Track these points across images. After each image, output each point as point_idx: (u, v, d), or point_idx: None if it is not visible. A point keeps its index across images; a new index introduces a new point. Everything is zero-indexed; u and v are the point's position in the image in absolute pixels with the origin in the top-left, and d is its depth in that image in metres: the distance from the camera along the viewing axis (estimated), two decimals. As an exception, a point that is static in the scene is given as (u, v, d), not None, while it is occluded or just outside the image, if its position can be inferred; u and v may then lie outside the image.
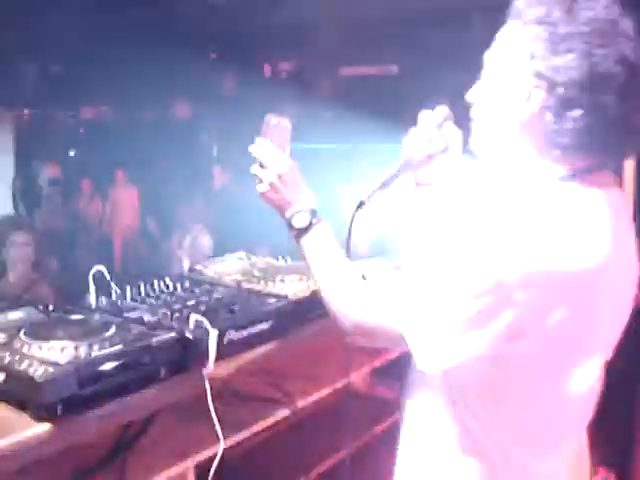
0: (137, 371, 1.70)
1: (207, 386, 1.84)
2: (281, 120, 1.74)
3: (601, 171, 1.40)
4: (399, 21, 8.23)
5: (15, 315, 1.90)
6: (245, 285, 2.27)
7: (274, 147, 1.70)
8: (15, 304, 1.98)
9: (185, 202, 7.43)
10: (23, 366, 1.56)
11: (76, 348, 1.64)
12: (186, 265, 6.59)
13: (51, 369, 1.54)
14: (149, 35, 8.06)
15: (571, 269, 1.28)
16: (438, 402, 1.50)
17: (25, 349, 1.65)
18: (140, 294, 2.12)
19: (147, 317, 1.91)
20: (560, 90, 1.29)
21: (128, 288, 2.12)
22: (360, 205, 1.64)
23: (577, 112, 1.29)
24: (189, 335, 1.81)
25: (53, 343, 1.65)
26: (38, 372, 1.53)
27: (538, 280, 1.26)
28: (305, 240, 1.63)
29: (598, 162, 1.39)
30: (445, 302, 1.31)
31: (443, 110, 1.72)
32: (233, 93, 12.25)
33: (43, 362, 1.58)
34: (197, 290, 2.19)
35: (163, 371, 1.76)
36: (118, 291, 2.13)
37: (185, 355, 1.80)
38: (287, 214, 1.66)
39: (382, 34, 8.50)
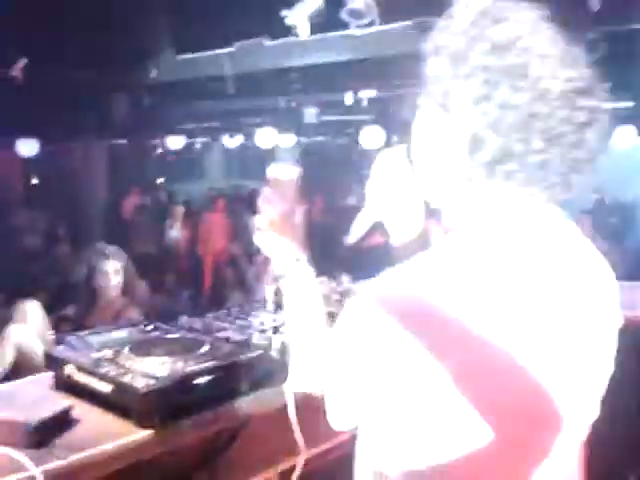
0: (226, 385, 1.88)
1: (290, 400, 2.00)
2: (286, 172, 1.73)
3: None
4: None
5: (119, 334, 2.11)
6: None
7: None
8: (118, 325, 2.19)
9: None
10: (127, 379, 1.76)
11: (174, 363, 1.83)
12: (269, 291, 6.82)
13: (152, 381, 1.73)
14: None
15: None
16: None
17: (129, 364, 1.85)
18: (229, 315, 2.31)
19: (236, 337, 2.09)
20: (468, 123, 1.22)
21: (217, 309, 2.31)
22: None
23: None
24: (274, 354, 1.98)
25: (154, 359, 1.85)
26: (140, 384, 1.72)
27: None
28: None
29: None
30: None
31: (402, 149, 1.58)
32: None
33: (145, 375, 1.77)
34: (281, 312, 2.36)
35: (250, 386, 1.93)
36: (209, 313, 2.32)
37: (270, 372, 1.97)
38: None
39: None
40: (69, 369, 1.89)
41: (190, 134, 16.98)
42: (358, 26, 4.67)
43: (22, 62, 7.59)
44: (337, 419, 1.32)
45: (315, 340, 1.55)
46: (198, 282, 10.72)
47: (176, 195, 16.33)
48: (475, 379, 1.13)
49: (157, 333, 2.15)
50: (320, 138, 17.15)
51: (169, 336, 2.08)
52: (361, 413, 1.27)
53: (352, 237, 1.70)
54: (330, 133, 16.52)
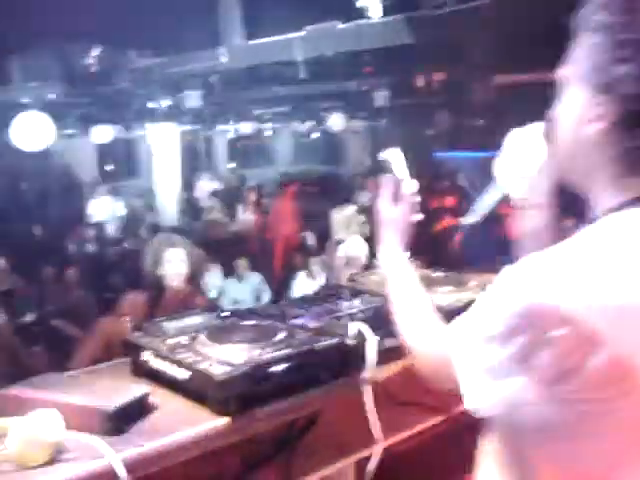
0: (302, 373, 1.85)
1: (366, 389, 1.97)
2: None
3: None
4: (555, 27, 8.04)
5: (194, 320, 2.10)
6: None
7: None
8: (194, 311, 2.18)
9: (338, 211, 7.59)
10: (204, 365, 1.75)
11: (250, 350, 1.81)
12: (343, 275, 6.79)
13: (229, 369, 1.71)
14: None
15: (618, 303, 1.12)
16: (504, 446, 1.38)
17: (206, 350, 1.84)
18: (305, 302, 2.28)
19: (311, 324, 2.06)
20: (626, 104, 1.17)
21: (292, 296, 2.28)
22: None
23: None
24: (350, 341, 1.94)
25: (230, 346, 1.83)
26: (217, 371, 1.71)
27: (578, 318, 1.10)
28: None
29: None
30: (482, 342, 1.23)
31: (538, 127, 1.63)
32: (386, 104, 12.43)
33: (221, 362, 1.76)
34: (357, 299, 2.33)
35: (326, 374, 1.90)
36: (284, 300, 2.30)
37: (346, 360, 1.94)
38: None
39: (536, 41, 8.34)
40: (146, 355, 1.89)
41: (260, 119, 17.11)
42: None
43: (97, 50, 7.72)
44: (472, 400, 1.28)
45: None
46: (268, 267, 10.79)
47: (247, 180, 16.47)
48: None
49: (233, 319, 2.13)
50: (389, 122, 17.02)
51: (245, 323, 2.06)
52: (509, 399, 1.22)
53: (476, 215, 1.75)
54: (399, 117, 16.38)
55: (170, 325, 2.05)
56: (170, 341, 1.93)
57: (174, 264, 4.25)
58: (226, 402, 1.70)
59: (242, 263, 9.29)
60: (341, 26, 5.21)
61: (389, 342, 2.01)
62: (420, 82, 10.67)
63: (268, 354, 1.81)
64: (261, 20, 6.47)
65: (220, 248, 10.01)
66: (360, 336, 1.96)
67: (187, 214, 13.44)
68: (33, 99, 8.85)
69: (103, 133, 12.90)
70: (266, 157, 22.03)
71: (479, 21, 5.20)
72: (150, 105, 11.18)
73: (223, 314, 2.16)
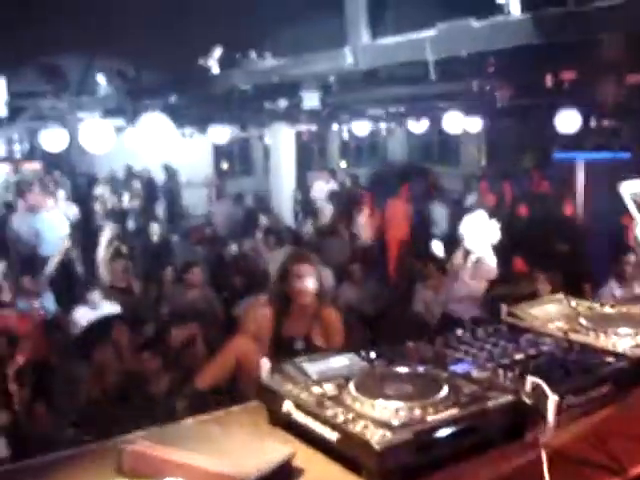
0: (471, 438, 1.56)
1: (543, 455, 1.66)
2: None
3: None
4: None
5: (339, 362, 1.85)
6: (573, 337, 2.05)
7: None
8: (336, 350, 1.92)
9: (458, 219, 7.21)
10: (358, 427, 1.49)
11: (410, 410, 1.54)
12: (467, 285, 6.45)
13: (388, 434, 1.45)
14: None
15: None
16: None
17: (357, 406, 1.57)
18: (462, 341, 1.99)
19: (476, 373, 1.76)
20: None
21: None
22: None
23: None
24: (526, 399, 1.64)
25: (387, 403, 1.56)
26: (375, 437, 1.44)
27: None
28: None
29: None
30: None
31: None
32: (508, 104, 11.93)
33: (377, 423, 1.49)
34: (520, 340, 2.01)
35: (496, 438, 1.61)
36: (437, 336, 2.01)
37: (520, 421, 1.63)
38: None
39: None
40: (288, 406, 1.65)
41: (375, 119, 16.84)
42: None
43: (218, 51, 7.63)
44: None
45: None
46: (383, 271, 10.52)
47: (361, 181, 16.25)
48: None
49: (382, 363, 1.86)
50: (508, 122, 16.45)
51: (398, 370, 1.78)
52: None
53: None
54: (519, 117, 15.77)
55: (312, 367, 1.80)
56: (315, 389, 1.68)
57: (303, 280, 4.06)
58: (386, 474, 1.43)
59: (356, 268, 9.03)
60: (476, 24, 4.83)
61: (570, 400, 1.70)
62: (548, 81, 10.11)
63: (432, 415, 1.53)
64: (389, 18, 6.18)
65: (333, 251, 9.81)
66: (538, 393, 1.65)
67: (302, 215, 13.33)
68: (154, 100, 8.89)
69: (220, 133, 12.97)
70: (379, 157, 21.75)
71: (615, 19, 4.73)
72: (268, 106, 11.11)
73: (370, 355, 1.89)
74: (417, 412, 1.54)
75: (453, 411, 1.55)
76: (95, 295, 7.59)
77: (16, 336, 7.16)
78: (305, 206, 13.53)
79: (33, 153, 15.61)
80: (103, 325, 7.01)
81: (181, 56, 8.17)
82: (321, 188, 13.59)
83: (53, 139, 10.59)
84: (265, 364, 1.77)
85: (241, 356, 3.96)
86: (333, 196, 12.74)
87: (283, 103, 10.94)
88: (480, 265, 6.25)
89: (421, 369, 1.79)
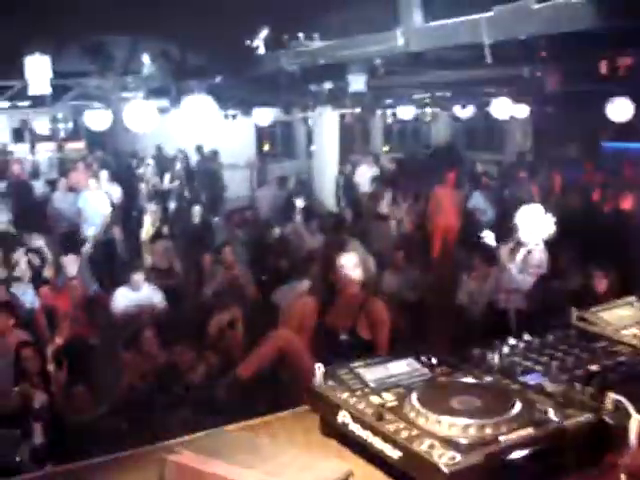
0: (547, 460, 1.41)
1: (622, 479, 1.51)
2: None
3: None
4: None
5: (398, 368, 1.71)
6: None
7: None
8: (394, 354, 1.78)
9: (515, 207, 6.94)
10: (423, 446, 1.35)
11: (481, 428, 1.39)
12: (517, 280, 6.24)
13: (458, 456, 1.31)
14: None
15: None
16: None
17: (421, 421, 1.43)
18: (529, 349, 1.83)
19: (549, 386, 1.61)
20: None
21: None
22: None
23: None
24: (607, 418, 1.48)
25: (454, 419, 1.42)
26: (443, 459, 1.30)
27: None
28: None
29: None
30: None
31: None
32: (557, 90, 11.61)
33: (444, 442, 1.35)
34: (595, 349, 1.85)
35: (574, 461, 1.45)
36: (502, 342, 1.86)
37: (600, 442, 1.48)
38: None
39: None
40: (344, 417, 1.52)
41: (420, 104, 16.56)
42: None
43: (264, 32, 7.48)
44: None
45: None
46: (426, 259, 10.32)
47: (405, 166, 16.02)
48: None
49: (444, 370, 1.71)
50: (556, 109, 16.07)
51: (464, 380, 1.64)
52: None
53: None
54: (569, 104, 15.38)
55: (369, 374, 1.66)
56: (373, 399, 1.54)
57: (348, 269, 3.90)
58: (453, 500, 1.29)
59: (399, 255, 8.86)
60: (536, 6, 4.60)
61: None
62: (602, 68, 9.76)
63: (505, 435, 1.38)
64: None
65: (377, 237, 9.65)
66: (620, 411, 1.49)
67: (344, 200, 13.16)
68: (199, 81, 8.78)
69: (264, 115, 12.86)
70: (423, 142, 21.45)
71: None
72: (313, 88, 10.94)
73: (431, 361, 1.75)
74: (488, 431, 1.39)
75: (528, 430, 1.40)
76: (137, 276, 7.54)
77: (55, 315, 7.17)
78: (347, 191, 13.35)
79: (77, 132, 15.67)
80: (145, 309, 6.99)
81: (227, 37, 8.04)
82: (364, 173, 13.39)
83: (97, 119, 10.59)
84: (318, 368, 1.64)
85: (284, 346, 3.84)
86: (376, 181, 12.54)
87: (328, 86, 10.76)
88: (531, 258, 6.03)
89: (489, 379, 1.64)
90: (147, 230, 10.07)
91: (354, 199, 12.62)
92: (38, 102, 10.74)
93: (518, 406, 1.47)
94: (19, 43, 8.10)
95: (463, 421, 1.41)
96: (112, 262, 9.94)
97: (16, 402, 4.77)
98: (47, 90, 8.41)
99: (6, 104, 11.65)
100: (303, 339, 3.92)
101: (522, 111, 14.38)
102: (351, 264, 3.92)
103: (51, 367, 5.59)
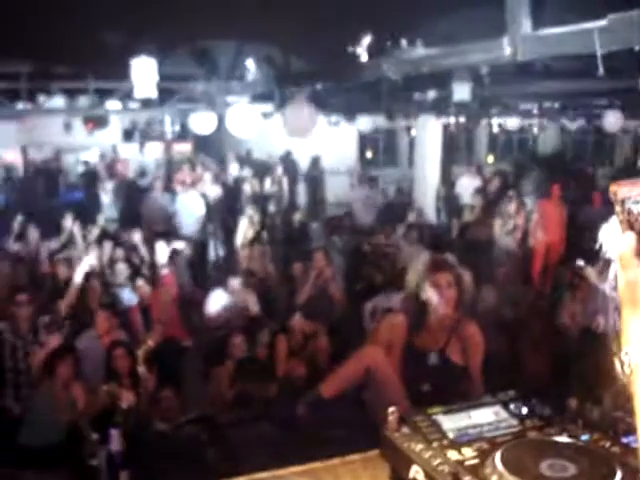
0: None
1: None
2: None
3: None
4: None
5: (481, 417, 1.53)
6: None
7: None
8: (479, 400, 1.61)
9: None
10: (505, 520, 1.18)
11: (574, 501, 1.21)
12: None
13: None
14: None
15: None
16: None
17: (505, 486, 1.26)
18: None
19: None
20: None
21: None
22: None
23: None
24: None
25: (543, 489, 1.24)
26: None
27: None
28: None
29: None
30: None
31: None
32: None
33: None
34: None
35: None
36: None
37: None
38: None
39: None
40: (416, 472, 1.36)
41: (527, 115, 16.07)
42: None
43: (367, 39, 7.37)
44: None
45: None
46: (526, 276, 9.93)
47: (509, 178, 15.57)
48: None
49: (535, 423, 1.52)
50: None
51: (557, 439, 1.45)
52: None
53: None
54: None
55: (450, 422, 1.49)
56: (451, 455, 1.38)
57: (441, 289, 3.70)
58: None
59: (501, 271, 8.56)
60: (654, 15, 4.29)
61: None
62: None
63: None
64: (553, 7, 5.69)
65: (476, 252, 9.36)
66: None
67: (445, 212, 12.87)
68: (302, 87, 8.76)
69: (365, 122, 12.74)
70: (529, 154, 20.85)
71: None
72: (417, 96, 10.77)
73: (521, 411, 1.56)
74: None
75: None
76: (235, 280, 7.53)
77: (150, 315, 7.24)
78: (449, 203, 13.05)
79: (184, 135, 16.00)
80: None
81: (329, 43, 7.98)
82: (467, 184, 13.04)
83: (202, 122, 10.73)
84: (392, 412, 1.48)
85: (371, 366, 3.68)
86: (479, 193, 12.19)
87: (432, 94, 10.55)
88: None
89: (586, 439, 1.45)
90: (244, 233, 10.10)
91: (456, 212, 12.30)
92: (147, 104, 10.98)
93: (619, 476, 1.27)
94: (129, 45, 8.29)
95: (554, 491, 1.23)
96: (207, 264, 10.04)
97: (104, 401, 4.80)
98: (153, 93, 8.57)
99: (117, 105, 11.97)
100: (391, 359, 3.75)
101: (634, 124, 13.75)
102: (445, 283, 3.72)
103: (141, 369, 5.61)
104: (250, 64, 9.13)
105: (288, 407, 3.79)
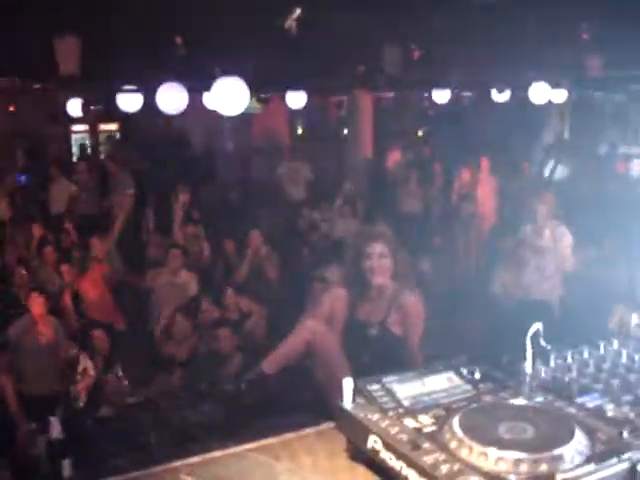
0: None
1: None
2: None
3: None
4: None
5: (435, 384, 1.51)
6: None
7: None
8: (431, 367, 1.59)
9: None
10: (466, 484, 1.16)
11: (535, 464, 1.20)
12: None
13: (508, 500, 1.11)
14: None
15: None
16: None
17: (464, 453, 1.23)
18: (596, 367, 1.62)
19: (611, 410, 1.40)
20: None
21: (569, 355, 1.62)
22: None
23: None
24: None
25: (503, 452, 1.22)
26: (491, 503, 1.11)
27: None
28: None
29: None
30: None
31: None
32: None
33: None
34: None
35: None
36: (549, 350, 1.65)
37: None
38: None
39: None
40: (374, 441, 1.33)
41: (456, 87, 16.12)
42: None
43: (296, 13, 7.26)
44: None
45: None
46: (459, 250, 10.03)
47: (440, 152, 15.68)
48: None
49: (489, 388, 1.51)
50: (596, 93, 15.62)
51: (513, 402, 1.44)
52: None
53: None
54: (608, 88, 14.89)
55: (404, 390, 1.47)
56: (408, 422, 1.35)
57: (375, 259, 3.71)
58: None
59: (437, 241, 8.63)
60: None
61: None
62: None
63: (563, 473, 1.18)
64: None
65: (412, 227, 9.39)
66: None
67: (378, 186, 12.86)
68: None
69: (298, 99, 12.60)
70: (460, 127, 21.01)
71: None
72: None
73: (474, 375, 1.55)
74: (544, 467, 1.19)
75: (588, 468, 1.20)
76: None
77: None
78: (381, 178, 13.04)
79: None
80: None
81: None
82: (394, 158, 13.12)
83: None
84: (347, 384, 1.45)
85: (312, 340, 3.66)
86: (408, 168, 12.25)
87: (361, 67, 10.49)
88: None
89: (541, 401, 1.44)
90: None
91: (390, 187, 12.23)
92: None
93: (579, 436, 1.27)
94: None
95: (514, 454, 1.21)
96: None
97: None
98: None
99: None
100: (332, 332, 3.74)
101: (560, 96, 13.95)
102: (377, 252, 3.73)
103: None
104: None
105: (232, 385, 3.73)
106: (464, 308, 7.23)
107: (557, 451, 1.21)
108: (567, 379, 1.53)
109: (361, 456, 1.39)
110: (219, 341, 5.13)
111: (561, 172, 12.37)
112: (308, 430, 1.59)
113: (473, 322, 6.92)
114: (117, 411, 4.33)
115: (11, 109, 13.73)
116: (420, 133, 20.47)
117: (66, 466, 3.16)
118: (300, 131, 19.31)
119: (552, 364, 1.61)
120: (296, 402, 3.82)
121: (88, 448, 3.64)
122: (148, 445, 3.92)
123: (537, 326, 1.56)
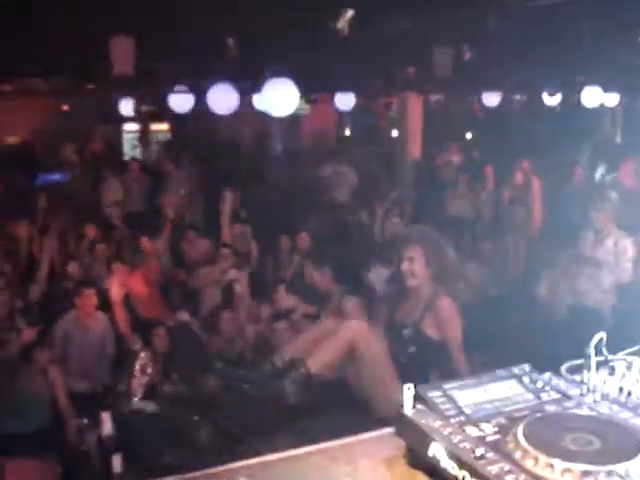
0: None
1: None
2: None
3: None
4: None
5: (496, 391, 1.48)
6: None
7: None
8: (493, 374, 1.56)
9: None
10: (533, 497, 1.13)
11: (602, 476, 1.17)
12: None
13: (576, 513, 1.09)
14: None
15: None
16: None
17: (529, 464, 1.21)
18: None
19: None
20: None
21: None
22: None
23: None
24: None
25: (570, 465, 1.19)
26: (558, 516, 1.08)
27: None
28: None
29: None
30: None
31: None
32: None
33: (558, 493, 1.13)
34: None
35: None
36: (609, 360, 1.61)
37: None
38: None
39: None
40: (435, 450, 1.31)
41: (507, 90, 15.93)
42: None
43: (349, 14, 7.25)
44: None
45: None
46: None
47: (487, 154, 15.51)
48: None
49: (553, 397, 1.48)
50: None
51: (579, 412, 1.40)
52: None
53: None
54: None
55: (465, 398, 1.45)
56: (470, 431, 1.33)
57: (408, 262, 3.76)
58: None
59: (486, 246, 8.54)
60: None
61: None
62: None
63: (632, 489, 1.15)
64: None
65: (462, 228, 9.31)
66: None
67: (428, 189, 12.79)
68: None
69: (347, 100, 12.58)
70: (512, 130, 20.78)
71: None
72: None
73: (536, 384, 1.52)
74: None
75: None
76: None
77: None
78: (430, 181, 12.96)
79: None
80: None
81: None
82: (446, 160, 13.02)
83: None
84: (407, 389, 1.43)
85: (355, 339, 3.67)
86: (457, 170, 12.13)
87: (411, 69, 10.46)
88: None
89: (606, 412, 1.41)
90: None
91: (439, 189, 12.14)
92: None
93: (645, 452, 1.23)
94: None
95: (581, 467, 1.18)
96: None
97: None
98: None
99: None
100: (374, 331, 3.77)
101: (613, 100, 13.69)
102: (408, 256, 3.77)
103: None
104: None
105: (277, 385, 3.73)
106: (513, 313, 7.15)
107: (625, 464, 1.18)
108: (633, 390, 1.49)
109: (421, 463, 1.37)
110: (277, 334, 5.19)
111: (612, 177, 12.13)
112: (366, 434, 1.58)
113: (523, 327, 6.83)
114: (167, 408, 4.38)
115: (65, 108, 14.00)
116: (469, 136, 20.28)
117: (117, 462, 3.20)
118: (348, 132, 19.29)
119: (617, 374, 1.56)
120: (341, 404, 3.80)
121: (138, 445, 3.69)
122: (197, 443, 3.96)
123: (601, 335, 1.52)
